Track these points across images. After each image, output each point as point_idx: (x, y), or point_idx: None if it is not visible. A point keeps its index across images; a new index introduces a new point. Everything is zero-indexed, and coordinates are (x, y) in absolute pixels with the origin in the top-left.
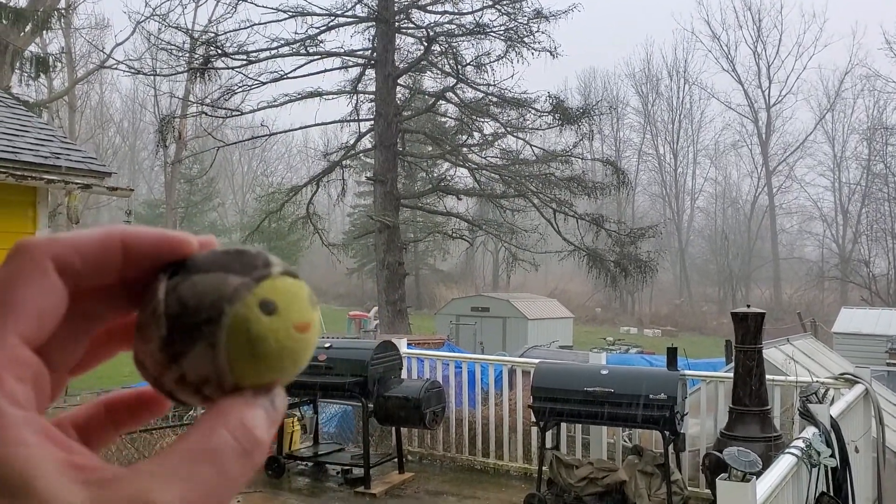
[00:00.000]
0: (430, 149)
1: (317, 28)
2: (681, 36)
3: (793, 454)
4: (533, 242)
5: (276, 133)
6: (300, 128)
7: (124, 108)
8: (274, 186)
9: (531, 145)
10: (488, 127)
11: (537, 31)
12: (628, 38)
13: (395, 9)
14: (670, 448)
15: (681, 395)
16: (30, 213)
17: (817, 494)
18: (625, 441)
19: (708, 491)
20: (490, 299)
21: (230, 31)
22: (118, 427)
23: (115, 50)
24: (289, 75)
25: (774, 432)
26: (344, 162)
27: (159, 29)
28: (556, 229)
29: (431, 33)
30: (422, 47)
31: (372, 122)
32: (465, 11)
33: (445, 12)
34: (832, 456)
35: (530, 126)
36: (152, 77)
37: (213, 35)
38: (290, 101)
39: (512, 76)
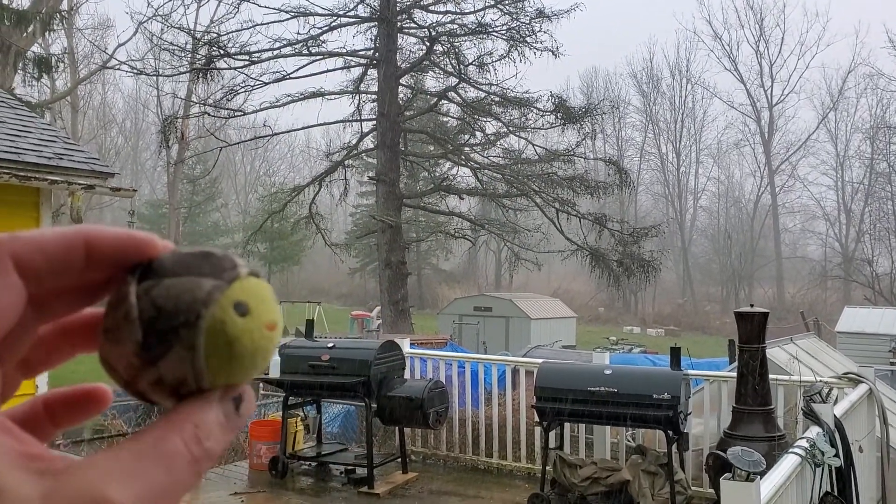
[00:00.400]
0: (432, 148)
1: (319, 28)
2: (683, 36)
3: (796, 454)
4: (535, 242)
5: (279, 133)
6: (303, 128)
7: (127, 109)
8: (276, 186)
9: (533, 145)
10: (490, 126)
11: (539, 31)
12: (630, 38)
13: (398, 9)
14: (674, 448)
15: (684, 394)
16: (33, 214)
17: (821, 494)
18: (628, 441)
19: (711, 490)
20: (493, 299)
21: (232, 32)
22: (57, 424)
23: (118, 50)
24: (291, 75)
25: (778, 432)
26: (346, 162)
27: (162, 29)
28: (558, 229)
29: (433, 33)
30: (424, 47)
31: (374, 121)
32: (467, 11)
33: (447, 12)
34: (836, 456)
35: (532, 125)
36: (155, 77)
37: (215, 35)
38: (293, 101)
39: (514, 76)
